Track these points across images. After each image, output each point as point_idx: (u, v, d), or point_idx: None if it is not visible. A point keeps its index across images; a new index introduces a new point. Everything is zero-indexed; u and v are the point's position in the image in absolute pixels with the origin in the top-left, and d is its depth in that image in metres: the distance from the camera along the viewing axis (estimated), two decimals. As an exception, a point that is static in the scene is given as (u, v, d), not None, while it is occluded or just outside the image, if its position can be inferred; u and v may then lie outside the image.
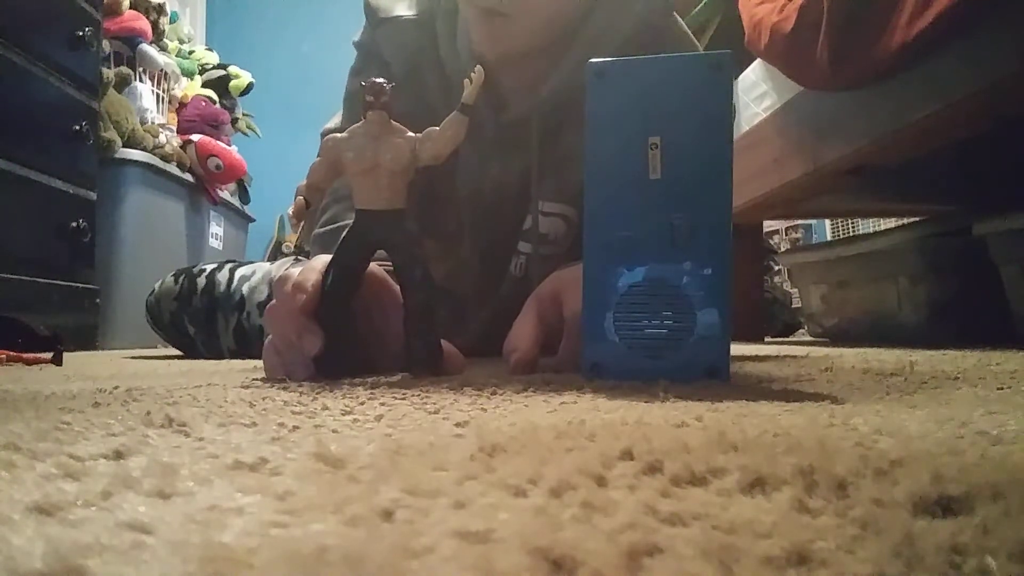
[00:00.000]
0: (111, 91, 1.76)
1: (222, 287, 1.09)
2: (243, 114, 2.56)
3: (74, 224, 1.43)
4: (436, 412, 0.32)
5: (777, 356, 0.85)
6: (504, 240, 0.80)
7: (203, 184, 2.17)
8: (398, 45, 0.76)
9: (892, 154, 1.14)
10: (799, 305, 2.19)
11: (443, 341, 0.52)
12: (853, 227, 2.68)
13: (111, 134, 1.73)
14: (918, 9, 0.90)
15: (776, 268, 2.54)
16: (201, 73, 2.41)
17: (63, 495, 0.16)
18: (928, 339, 1.16)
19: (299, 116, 2.54)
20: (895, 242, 1.37)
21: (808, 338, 1.92)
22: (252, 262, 1.17)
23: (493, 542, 0.13)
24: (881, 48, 0.97)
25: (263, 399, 0.37)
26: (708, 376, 0.44)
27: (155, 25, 2.11)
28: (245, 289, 1.08)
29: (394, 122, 0.50)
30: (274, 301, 0.51)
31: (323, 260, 0.51)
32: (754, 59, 1.43)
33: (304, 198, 0.50)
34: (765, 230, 2.36)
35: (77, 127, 1.46)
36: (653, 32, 0.73)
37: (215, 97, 2.38)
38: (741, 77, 1.50)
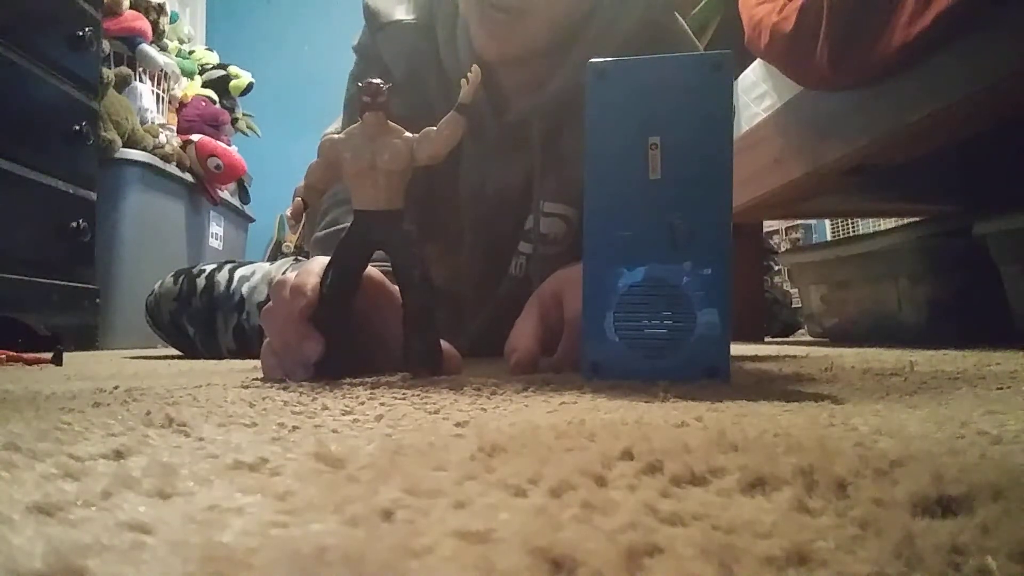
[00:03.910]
0: (111, 91, 1.76)
1: (222, 287, 1.09)
2: (243, 114, 2.56)
3: (74, 224, 1.44)
4: (436, 412, 0.32)
5: (777, 356, 0.85)
6: (505, 240, 0.80)
7: (203, 184, 2.17)
8: (398, 49, 0.76)
9: (892, 154, 1.14)
10: (799, 305, 2.20)
11: (442, 341, 0.52)
12: (853, 227, 2.68)
13: (111, 134, 1.73)
14: (918, 9, 0.90)
15: (776, 268, 2.54)
16: (201, 73, 2.41)
17: (63, 495, 0.16)
18: (928, 339, 1.16)
19: (299, 116, 2.54)
20: (895, 242, 1.37)
21: (808, 338, 1.92)
22: (252, 262, 1.17)
23: (493, 542, 0.13)
24: (881, 48, 0.97)
25: (263, 399, 0.37)
26: (708, 376, 0.44)
27: (155, 25, 2.11)
28: (245, 289, 1.08)
29: (391, 123, 0.50)
30: (271, 304, 0.51)
31: (320, 262, 0.51)
32: (754, 59, 1.43)
33: (302, 199, 0.50)
34: (765, 230, 2.36)
35: (77, 127, 1.46)
36: (654, 31, 0.73)
37: (215, 97, 2.38)
38: (741, 77, 1.50)
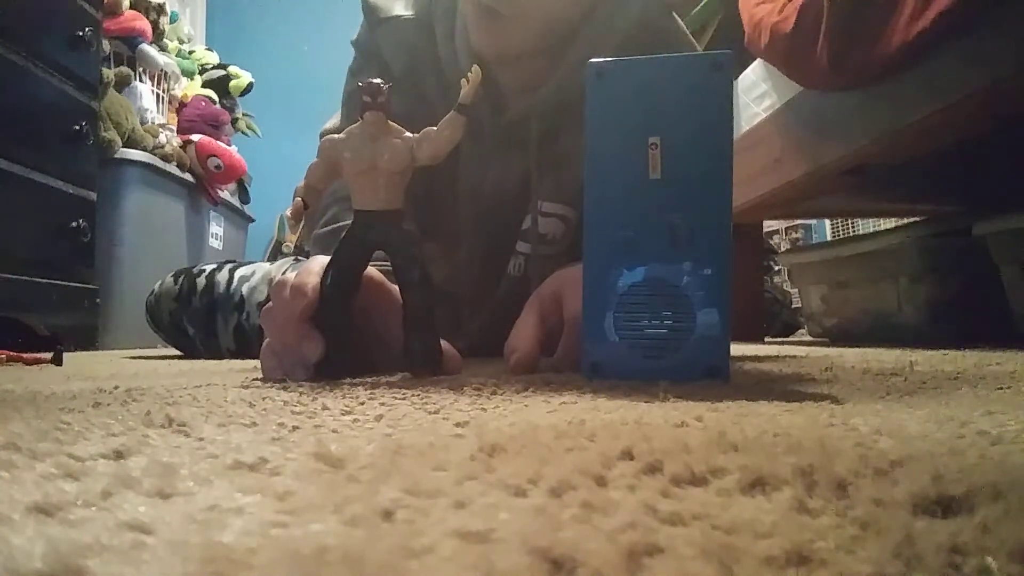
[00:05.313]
0: (111, 91, 1.76)
1: (222, 287, 1.09)
2: (243, 114, 2.56)
3: (74, 224, 1.44)
4: (436, 412, 0.32)
5: (777, 356, 0.85)
6: (503, 240, 0.80)
7: (203, 184, 2.17)
8: (397, 44, 0.76)
9: (892, 154, 1.14)
10: (799, 305, 2.20)
11: (442, 341, 0.52)
12: (853, 227, 2.68)
13: (111, 134, 1.73)
14: (918, 9, 0.90)
15: (776, 268, 2.54)
16: (201, 73, 2.41)
17: (63, 495, 0.16)
18: (928, 339, 1.16)
19: (299, 116, 2.54)
20: (895, 242, 1.38)
21: (808, 338, 1.92)
22: (252, 262, 1.17)
23: (493, 542, 0.13)
24: (881, 48, 0.97)
25: (263, 399, 0.37)
26: (708, 376, 0.44)
27: (155, 25, 2.11)
28: (245, 289, 1.08)
29: (391, 122, 0.50)
30: (271, 304, 0.51)
31: (320, 262, 0.51)
32: (754, 59, 1.43)
33: (302, 199, 0.50)
34: (765, 230, 2.36)
35: (77, 127, 1.46)
36: (652, 31, 0.73)
37: (215, 97, 2.38)
38: (741, 77, 1.50)
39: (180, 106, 2.26)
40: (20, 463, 0.20)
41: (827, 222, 2.85)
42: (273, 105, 2.97)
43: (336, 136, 0.50)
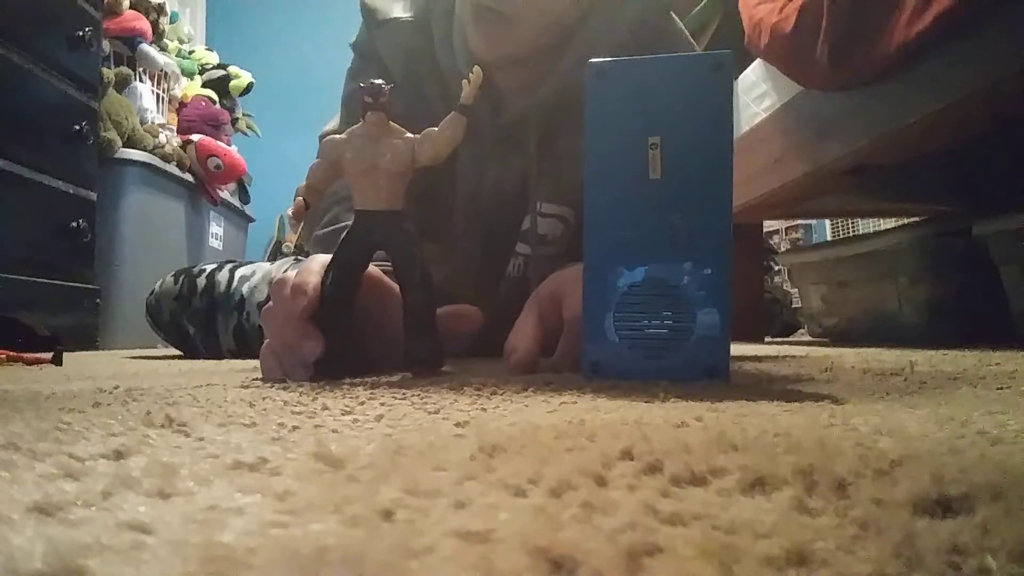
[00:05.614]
0: (111, 91, 1.76)
1: (222, 287, 1.09)
2: (243, 114, 2.57)
3: (74, 224, 1.44)
4: (436, 412, 0.32)
5: (777, 356, 0.85)
6: (503, 241, 0.80)
7: (203, 184, 2.17)
8: (395, 46, 0.76)
9: (892, 154, 1.14)
10: (799, 305, 2.20)
11: (464, 304, 0.52)
12: (853, 227, 2.68)
13: (111, 134, 1.73)
14: (918, 9, 0.90)
15: (776, 268, 2.54)
16: (201, 73, 2.41)
17: (63, 495, 0.16)
18: (928, 339, 1.16)
19: (299, 116, 2.54)
20: (895, 242, 1.38)
21: (808, 338, 1.92)
22: (252, 262, 1.17)
23: (493, 542, 0.13)
24: (881, 48, 0.97)
25: (263, 399, 0.37)
26: (708, 376, 0.44)
27: (155, 25, 2.11)
28: (245, 289, 1.08)
29: (392, 123, 0.50)
30: (271, 304, 0.51)
31: (321, 261, 0.51)
32: (754, 59, 1.43)
33: (303, 199, 0.50)
34: (765, 230, 2.36)
35: (77, 127, 1.46)
36: (651, 32, 0.73)
37: (215, 97, 2.38)
38: (741, 77, 1.50)
39: (180, 106, 2.26)
40: (20, 463, 0.20)
41: (827, 222, 2.85)
42: (273, 105, 2.97)
43: (337, 136, 0.50)
